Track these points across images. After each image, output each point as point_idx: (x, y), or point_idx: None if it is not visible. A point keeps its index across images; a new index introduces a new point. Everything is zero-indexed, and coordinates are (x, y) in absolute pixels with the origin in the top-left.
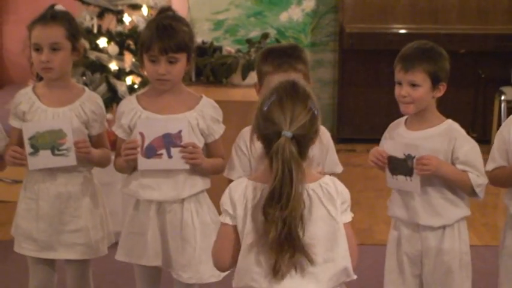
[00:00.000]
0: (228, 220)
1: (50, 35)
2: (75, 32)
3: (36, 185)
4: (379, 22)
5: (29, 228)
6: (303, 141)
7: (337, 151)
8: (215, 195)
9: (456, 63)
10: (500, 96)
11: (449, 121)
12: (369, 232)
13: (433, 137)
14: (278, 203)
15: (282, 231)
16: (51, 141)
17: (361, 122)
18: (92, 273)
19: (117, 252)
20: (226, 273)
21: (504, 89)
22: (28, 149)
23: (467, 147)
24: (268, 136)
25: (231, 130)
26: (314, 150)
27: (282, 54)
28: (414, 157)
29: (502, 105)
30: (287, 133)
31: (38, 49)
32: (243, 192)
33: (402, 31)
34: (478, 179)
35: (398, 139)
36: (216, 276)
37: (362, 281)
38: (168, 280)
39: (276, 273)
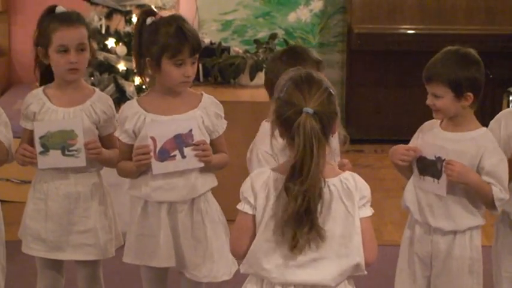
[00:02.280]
0: (247, 209)
1: (78, 36)
2: (91, 32)
3: (45, 185)
4: (387, 23)
5: (37, 228)
6: (325, 119)
7: (346, 152)
8: (219, 194)
9: None
10: (509, 97)
11: (484, 129)
12: (377, 233)
13: (464, 141)
14: (299, 178)
15: (302, 206)
16: (62, 141)
17: (369, 122)
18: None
19: (127, 255)
20: (235, 269)
21: None
22: (38, 148)
23: (496, 159)
24: (289, 118)
25: (239, 130)
26: (334, 142)
27: None
28: (444, 160)
29: (510, 105)
30: (308, 109)
31: (65, 50)
32: (265, 182)
33: (410, 31)
34: (500, 194)
35: (430, 137)
36: (228, 274)
37: (370, 281)
38: (173, 280)
39: (294, 247)
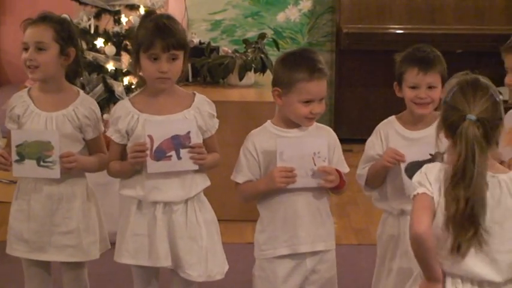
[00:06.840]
0: (426, 191)
1: (36, 34)
2: (65, 35)
3: (29, 185)
4: (376, 22)
5: (20, 228)
6: (488, 125)
7: None
8: (211, 194)
9: (453, 63)
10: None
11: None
12: (366, 232)
13: (431, 136)
14: (462, 183)
15: (465, 211)
16: (38, 151)
17: (358, 122)
18: (89, 274)
19: (122, 255)
20: (227, 268)
21: (501, 89)
22: (14, 156)
23: None
24: (453, 123)
25: (228, 130)
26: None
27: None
28: (443, 153)
29: None
30: (471, 116)
31: (26, 48)
32: (438, 174)
33: (399, 31)
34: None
35: (397, 137)
36: (221, 273)
37: (359, 280)
38: (165, 280)
39: (456, 250)
